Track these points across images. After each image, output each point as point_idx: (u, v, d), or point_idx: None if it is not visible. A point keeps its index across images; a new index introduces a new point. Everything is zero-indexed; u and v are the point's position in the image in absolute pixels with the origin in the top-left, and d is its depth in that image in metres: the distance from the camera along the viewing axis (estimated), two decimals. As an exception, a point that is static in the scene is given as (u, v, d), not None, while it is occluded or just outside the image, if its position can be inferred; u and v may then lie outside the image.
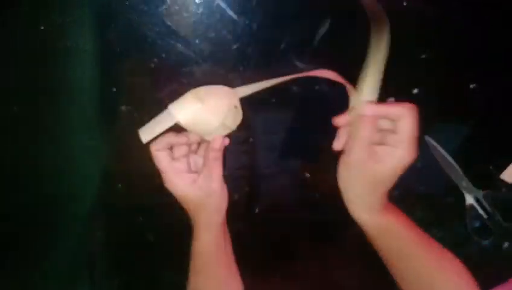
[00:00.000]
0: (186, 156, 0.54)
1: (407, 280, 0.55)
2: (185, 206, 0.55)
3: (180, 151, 0.53)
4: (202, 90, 0.51)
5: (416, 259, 0.54)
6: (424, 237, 0.55)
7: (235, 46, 0.60)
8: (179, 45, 0.59)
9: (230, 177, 0.72)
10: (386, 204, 0.52)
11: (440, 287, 0.54)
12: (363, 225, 0.52)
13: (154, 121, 0.51)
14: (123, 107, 0.62)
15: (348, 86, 0.52)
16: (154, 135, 0.50)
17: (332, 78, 0.54)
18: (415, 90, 0.73)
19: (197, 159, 0.56)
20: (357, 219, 0.52)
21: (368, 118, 0.49)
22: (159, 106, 0.62)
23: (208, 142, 0.52)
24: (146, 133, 0.50)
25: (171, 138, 0.52)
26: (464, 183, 0.80)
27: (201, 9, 0.58)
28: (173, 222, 0.72)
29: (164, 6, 0.56)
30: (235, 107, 0.52)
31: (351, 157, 0.49)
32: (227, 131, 0.53)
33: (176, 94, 0.50)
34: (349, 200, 0.52)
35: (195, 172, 0.54)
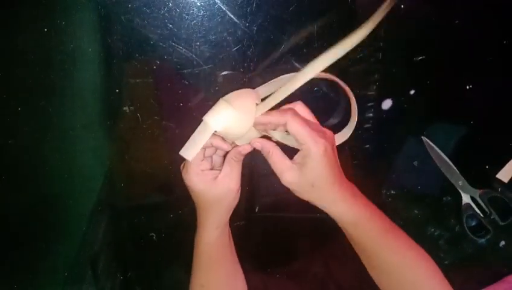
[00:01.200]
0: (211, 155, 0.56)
1: (377, 271, 0.56)
2: (199, 202, 0.55)
3: (209, 151, 0.55)
4: (232, 96, 0.52)
5: (383, 250, 0.55)
6: (393, 229, 0.56)
7: (235, 49, 0.61)
8: (181, 47, 0.59)
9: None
10: (353, 195, 0.53)
11: (407, 278, 0.55)
12: (339, 215, 0.53)
13: (193, 137, 0.52)
14: (125, 108, 0.62)
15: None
16: (197, 151, 0.51)
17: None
18: (412, 91, 0.74)
19: (216, 158, 0.57)
20: (333, 211, 0.53)
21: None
22: (159, 106, 0.63)
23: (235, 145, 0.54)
24: (189, 152, 0.52)
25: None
26: (460, 182, 0.81)
27: (202, 12, 0.58)
28: (175, 221, 0.72)
29: (166, 9, 0.57)
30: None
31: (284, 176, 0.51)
32: (258, 134, 0.54)
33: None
34: (317, 197, 0.53)
35: (217, 170, 0.55)
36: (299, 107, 0.53)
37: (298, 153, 0.51)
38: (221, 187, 0.54)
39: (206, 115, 0.51)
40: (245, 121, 0.51)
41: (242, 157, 0.54)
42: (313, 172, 0.49)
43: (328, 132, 0.52)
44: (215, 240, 0.56)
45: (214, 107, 0.51)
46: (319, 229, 0.80)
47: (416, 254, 0.56)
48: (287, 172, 0.51)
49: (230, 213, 0.57)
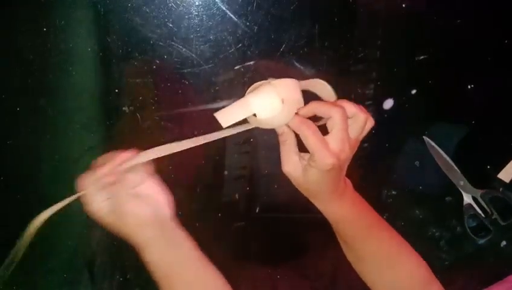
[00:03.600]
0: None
1: (363, 265, 0.57)
2: (131, 230, 0.50)
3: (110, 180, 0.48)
4: (277, 82, 0.49)
5: (371, 243, 0.55)
6: (381, 223, 0.57)
7: (235, 48, 0.61)
8: (180, 47, 0.59)
9: (229, 178, 0.73)
10: (344, 192, 0.53)
11: (393, 272, 0.56)
12: (327, 214, 0.53)
13: (232, 108, 0.48)
14: (125, 108, 0.62)
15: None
16: (231, 123, 0.48)
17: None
18: (413, 91, 0.74)
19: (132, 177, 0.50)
20: (323, 210, 0.53)
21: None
22: (159, 106, 0.63)
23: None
24: (224, 119, 0.48)
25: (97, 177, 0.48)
26: (461, 182, 0.81)
27: (202, 12, 0.58)
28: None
29: (166, 8, 0.57)
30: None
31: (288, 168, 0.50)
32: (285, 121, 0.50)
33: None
34: (312, 197, 0.52)
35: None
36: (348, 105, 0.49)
37: (310, 156, 0.48)
38: (150, 204, 0.50)
39: (252, 95, 0.48)
40: (286, 114, 0.48)
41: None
42: (313, 180, 0.48)
43: (352, 144, 0.49)
44: (162, 257, 0.51)
45: (260, 91, 0.48)
46: (318, 229, 0.80)
47: (400, 246, 0.57)
48: (290, 166, 0.49)
49: (168, 212, 0.53)
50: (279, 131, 0.50)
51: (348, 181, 0.54)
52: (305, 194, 0.52)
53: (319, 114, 0.48)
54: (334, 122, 0.47)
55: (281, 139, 0.50)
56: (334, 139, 0.47)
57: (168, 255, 0.51)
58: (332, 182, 0.49)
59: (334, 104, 0.49)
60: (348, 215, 0.53)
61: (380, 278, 0.57)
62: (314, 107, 0.48)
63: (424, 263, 0.58)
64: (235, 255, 0.76)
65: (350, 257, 0.58)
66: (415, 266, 0.57)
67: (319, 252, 0.82)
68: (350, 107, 0.49)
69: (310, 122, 0.47)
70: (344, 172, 0.51)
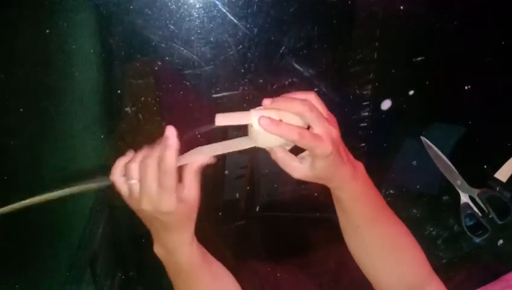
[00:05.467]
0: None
1: (368, 251, 0.57)
2: (166, 227, 0.50)
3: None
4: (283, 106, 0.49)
5: (380, 226, 0.56)
6: (389, 209, 0.58)
7: (236, 49, 0.61)
8: (182, 48, 0.60)
9: (230, 177, 0.73)
10: (356, 168, 0.53)
11: (397, 258, 0.57)
12: (345, 192, 0.53)
13: (233, 114, 0.49)
14: (127, 109, 0.62)
15: None
16: (226, 124, 0.48)
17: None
18: (411, 92, 0.74)
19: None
20: (341, 189, 0.53)
21: None
22: (160, 107, 0.63)
23: None
24: (220, 119, 0.48)
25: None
26: (458, 182, 0.81)
27: (203, 14, 0.58)
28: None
29: (167, 10, 0.57)
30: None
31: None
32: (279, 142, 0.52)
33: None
34: (329, 183, 0.53)
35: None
36: (313, 97, 0.50)
37: (309, 152, 0.49)
38: (189, 202, 0.50)
39: (255, 109, 0.49)
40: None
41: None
42: (322, 168, 0.49)
43: (332, 120, 0.51)
44: (194, 255, 0.53)
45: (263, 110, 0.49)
46: (318, 229, 0.80)
47: (406, 233, 0.58)
48: (299, 172, 0.50)
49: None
50: (269, 150, 0.51)
51: (360, 163, 0.55)
52: (322, 183, 0.53)
53: (286, 110, 0.49)
54: (306, 116, 0.48)
55: (274, 157, 0.51)
56: (317, 127, 0.48)
57: (197, 257, 0.53)
58: (338, 159, 0.50)
59: (291, 100, 0.49)
60: (362, 189, 0.54)
61: (383, 265, 0.57)
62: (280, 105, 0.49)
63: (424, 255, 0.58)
64: (235, 254, 0.77)
65: (355, 245, 0.58)
66: (419, 253, 0.58)
67: (319, 251, 0.83)
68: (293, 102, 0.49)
69: (294, 126, 0.48)
70: (342, 142, 0.52)
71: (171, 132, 0.46)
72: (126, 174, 0.48)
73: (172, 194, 0.47)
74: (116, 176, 0.49)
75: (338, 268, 0.84)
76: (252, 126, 0.49)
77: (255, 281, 0.79)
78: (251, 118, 0.48)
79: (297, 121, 0.49)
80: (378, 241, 0.57)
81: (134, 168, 0.48)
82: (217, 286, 0.57)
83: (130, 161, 0.48)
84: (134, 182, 0.48)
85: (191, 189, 0.49)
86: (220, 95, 0.64)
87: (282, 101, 0.49)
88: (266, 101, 0.49)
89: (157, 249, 0.54)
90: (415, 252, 0.58)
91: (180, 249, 0.52)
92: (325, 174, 0.51)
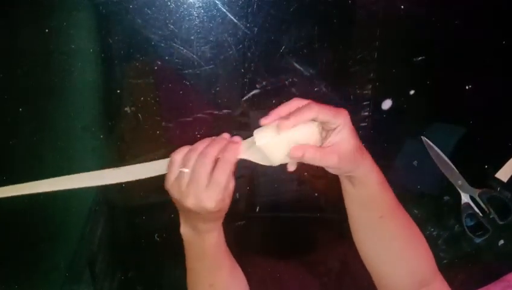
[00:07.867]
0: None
1: (376, 243, 0.56)
2: (210, 217, 0.51)
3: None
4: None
5: (400, 214, 0.56)
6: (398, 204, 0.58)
7: (236, 49, 0.61)
8: (181, 48, 0.60)
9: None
10: (365, 154, 0.53)
11: (406, 250, 0.56)
12: (360, 173, 0.52)
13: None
14: (126, 109, 0.62)
15: None
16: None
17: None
18: (412, 91, 0.74)
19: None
20: (364, 177, 0.52)
21: None
22: (160, 107, 0.63)
23: None
24: (260, 136, 0.48)
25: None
26: (459, 182, 0.81)
27: (203, 13, 0.58)
28: (175, 221, 0.72)
29: (167, 10, 0.57)
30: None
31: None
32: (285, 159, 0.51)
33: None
34: (350, 163, 0.51)
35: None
36: (299, 101, 0.50)
37: (331, 136, 0.49)
38: (227, 201, 0.50)
39: (256, 130, 0.49)
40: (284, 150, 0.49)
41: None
42: (344, 139, 0.49)
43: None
44: (220, 241, 0.55)
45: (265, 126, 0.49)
46: (318, 228, 0.80)
47: (415, 227, 0.58)
48: (331, 158, 0.49)
49: None
50: (297, 152, 0.49)
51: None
52: (351, 168, 0.51)
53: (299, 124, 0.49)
54: (319, 116, 0.47)
55: (306, 157, 0.49)
56: (331, 111, 0.48)
57: (223, 244, 0.55)
58: (355, 136, 0.50)
59: (298, 113, 0.48)
60: (383, 177, 0.54)
61: (399, 258, 0.56)
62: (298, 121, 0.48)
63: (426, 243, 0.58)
64: (235, 254, 0.77)
65: (372, 240, 0.57)
66: (428, 247, 0.57)
67: (320, 251, 0.83)
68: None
69: (305, 105, 0.48)
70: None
71: (236, 137, 0.48)
72: (183, 161, 0.48)
73: (221, 193, 0.46)
74: (177, 156, 0.49)
75: (339, 268, 0.84)
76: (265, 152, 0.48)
77: (255, 281, 0.79)
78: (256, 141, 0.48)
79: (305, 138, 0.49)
80: (401, 232, 0.56)
81: (193, 157, 0.47)
82: (233, 279, 0.58)
83: (190, 150, 0.48)
84: (187, 171, 0.47)
85: (230, 189, 0.49)
86: (220, 95, 0.64)
87: (292, 120, 0.47)
88: (265, 121, 0.48)
89: (185, 230, 0.53)
90: (426, 245, 0.58)
91: (210, 233, 0.52)
92: (347, 146, 0.49)
